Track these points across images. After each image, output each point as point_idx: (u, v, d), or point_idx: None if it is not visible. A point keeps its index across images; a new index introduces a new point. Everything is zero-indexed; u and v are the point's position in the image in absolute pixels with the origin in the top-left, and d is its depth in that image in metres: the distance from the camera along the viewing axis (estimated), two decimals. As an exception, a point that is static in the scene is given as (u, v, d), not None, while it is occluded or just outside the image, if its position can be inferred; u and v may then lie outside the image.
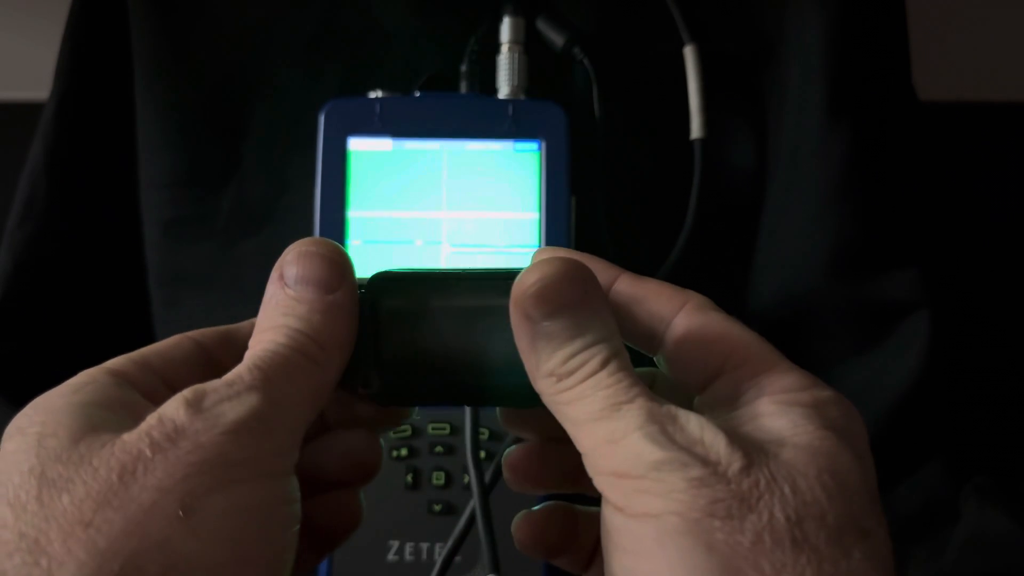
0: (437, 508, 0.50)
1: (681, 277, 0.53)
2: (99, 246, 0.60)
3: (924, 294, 0.53)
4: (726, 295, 0.57)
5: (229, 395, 0.23)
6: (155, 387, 0.25)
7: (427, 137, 0.54)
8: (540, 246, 0.53)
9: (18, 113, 0.70)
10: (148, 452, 0.22)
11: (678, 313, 0.26)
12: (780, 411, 0.23)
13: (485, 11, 0.57)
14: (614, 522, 0.23)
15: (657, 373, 0.28)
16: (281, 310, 0.25)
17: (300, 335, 0.25)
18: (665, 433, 0.22)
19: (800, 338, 0.55)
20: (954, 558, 0.46)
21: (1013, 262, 0.70)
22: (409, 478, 0.51)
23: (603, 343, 0.24)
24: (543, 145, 0.54)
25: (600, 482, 0.23)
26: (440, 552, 0.46)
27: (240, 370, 0.24)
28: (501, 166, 0.54)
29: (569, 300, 0.24)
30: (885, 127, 0.55)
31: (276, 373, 0.24)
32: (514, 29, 0.56)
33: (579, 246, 0.53)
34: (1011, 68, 0.74)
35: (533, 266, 0.24)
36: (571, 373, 0.24)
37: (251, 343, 0.26)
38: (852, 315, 0.54)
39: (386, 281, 0.27)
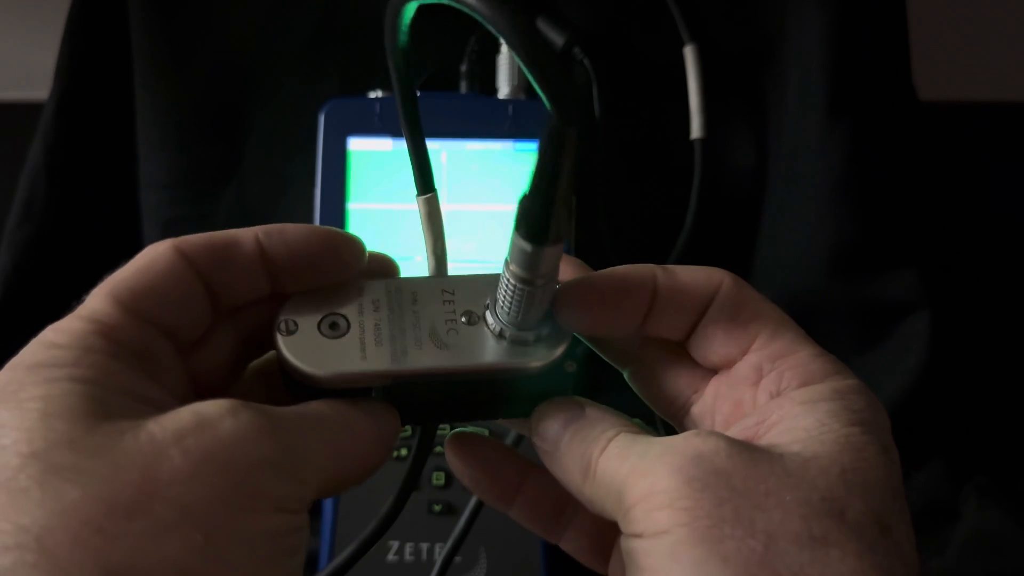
0: (437, 508, 0.50)
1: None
2: (99, 246, 0.60)
3: (924, 294, 0.53)
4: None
5: (275, 422, 0.22)
6: (152, 342, 0.23)
7: (427, 137, 0.54)
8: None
9: (18, 113, 0.70)
10: (178, 459, 0.20)
11: (714, 297, 0.26)
12: (805, 411, 0.23)
13: (485, 11, 0.57)
14: (634, 547, 0.22)
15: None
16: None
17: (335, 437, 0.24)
18: (659, 450, 0.22)
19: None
20: (954, 558, 0.46)
21: (1013, 262, 0.69)
22: (409, 478, 0.51)
23: (605, 432, 0.25)
24: (543, 145, 0.54)
25: (625, 526, 0.23)
26: (440, 552, 0.45)
27: (288, 410, 0.23)
28: (501, 166, 0.54)
29: (564, 426, 0.25)
30: (885, 127, 0.55)
31: (306, 436, 0.23)
32: (514, 29, 0.56)
33: (579, 246, 0.53)
34: (1011, 68, 0.74)
35: (537, 411, 0.26)
36: (589, 465, 0.24)
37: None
38: (852, 315, 0.54)
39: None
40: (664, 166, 0.57)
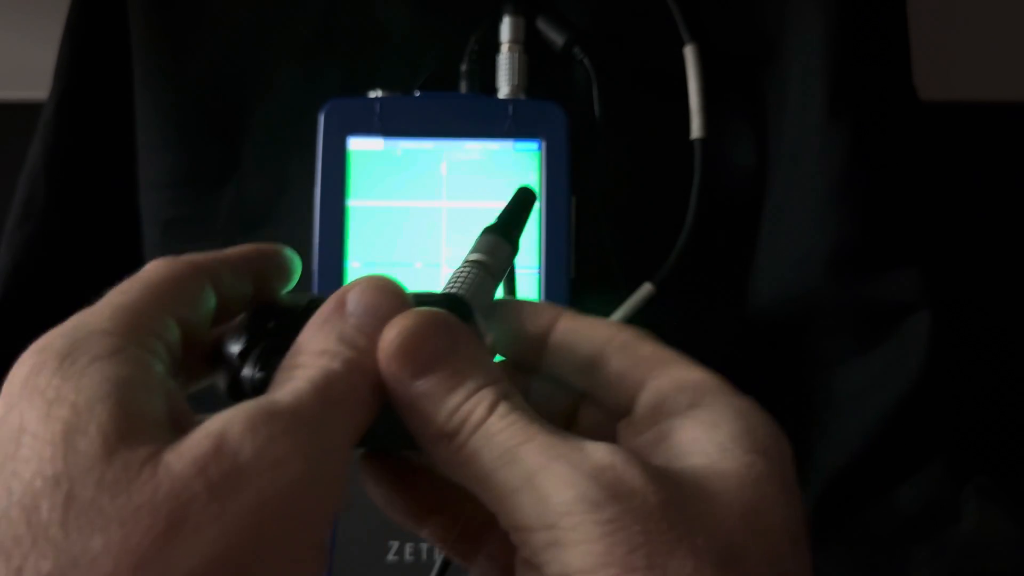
0: (437, 508, 0.50)
1: (681, 277, 0.53)
2: (99, 246, 0.60)
3: (924, 294, 0.53)
4: (726, 295, 0.57)
5: (297, 425, 0.20)
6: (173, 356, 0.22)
7: (427, 137, 0.54)
8: (539, 247, 0.53)
9: (18, 113, 0.70)
10: (204, 495, 0.18)
11: (611, 341, 0.24)
12: (706, 434, 0.22)
13: (485, 11, 0.57)
14: None
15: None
16: (337, 334, 0.22)
17: (355, 367, 0.22)
18: (570, 467, 0.20)
19: (800, 338, 0.55)
20: (954, 558, 0.46)
21: (1013, 262, 0.69)
22: (409, 478, 0.51)
23: (487, 387, 0.22)
24: (543, 145, 0.54)
25: (514, 539, 0.21)
26: (440, 552, 0.45)
27: (303, 398, 0.20)
28: (501, 166, 0.54)
29: (437, 352, 0.22)
30: (885, 127, 0.55)
31: (334, 408, 0.21)
32: (514, 29, 0.56)
33: (579, 246, 0.53)
34: (1011, 68, 0.74)
35: (392, 322, 0.22)
36: (459, 428, 0.21)
37: (299, 361, 0.22)
38: (852, 315, 0.54)
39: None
40: (664, 166, 0.57)
